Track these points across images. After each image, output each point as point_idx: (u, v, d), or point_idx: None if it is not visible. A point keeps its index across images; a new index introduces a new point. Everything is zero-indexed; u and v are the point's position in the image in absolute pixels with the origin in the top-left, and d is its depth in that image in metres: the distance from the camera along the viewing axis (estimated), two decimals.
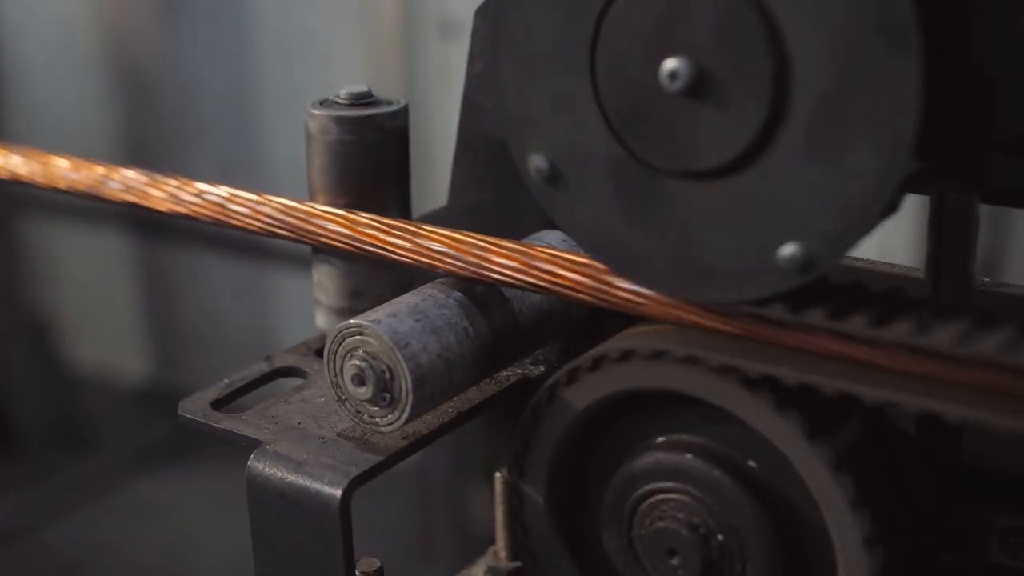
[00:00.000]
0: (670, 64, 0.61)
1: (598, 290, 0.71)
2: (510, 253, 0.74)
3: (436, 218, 0.90)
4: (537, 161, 0.69)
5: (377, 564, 0.79)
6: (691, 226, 0.65)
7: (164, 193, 0.84)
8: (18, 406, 3.09)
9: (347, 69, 2.59)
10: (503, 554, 0.91)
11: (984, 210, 0.66)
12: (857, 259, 0.77)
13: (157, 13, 2.89)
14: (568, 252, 0.73)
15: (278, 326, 2.94)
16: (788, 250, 0.62)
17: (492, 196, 0.89)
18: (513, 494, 0.75)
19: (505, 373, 0.82)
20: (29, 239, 3.26)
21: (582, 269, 0.71)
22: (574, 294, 0.72)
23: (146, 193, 0.84)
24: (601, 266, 0.71)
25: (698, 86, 0.61)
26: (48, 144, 0.96)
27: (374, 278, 0.84)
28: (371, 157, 0.82)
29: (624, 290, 0.70)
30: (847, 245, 0.61)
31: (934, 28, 0.58)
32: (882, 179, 0.59)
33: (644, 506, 0.70)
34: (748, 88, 0.60)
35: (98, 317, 3.26)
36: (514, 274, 0.73)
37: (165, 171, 0.87)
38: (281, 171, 2.73)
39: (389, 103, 0.83)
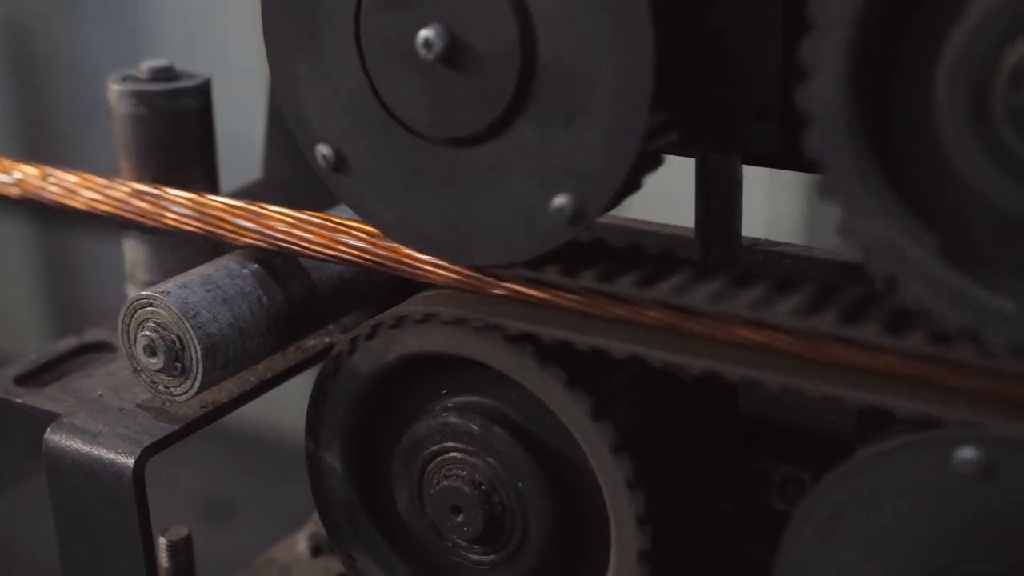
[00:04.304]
0: (424, 33, 0.63)
1: (389, 259, 0.72)
2: (359, 233, 0.74)
3: (250, 192, 0.91)
4: (323, 150, 0.70)
5: (185, 532, 0.80)
6: (464, 191, 0.66)
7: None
8: None
9: (246, 49, 2.57)
10: None
11: None
12: (644, 222, 0.79)
13: None
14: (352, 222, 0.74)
15: None
16: (559, 201, 0.64)
17: (303, 169, 0.89)
18: (311, 464, 0.76)
19: (312, 342, 0.83)
20: None
21: (368, 239, 0.73)
22: (362, 263, 0.73)
23: None
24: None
25: (452, 53, 0.63)
26: None
27: (182, 251, 0.84)
28: (171, 131, 0.82)
29: (410, 258, 0.71)
30: (610, 194, 0.63)
31: None
32: (627, 133, 0.60)
33: (431, 467, 0.71)
34: (498, 53, 0.62)
35: None
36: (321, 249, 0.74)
37: (59, 157, 0.84)
38: None
39: (191, 77, 0.84)
